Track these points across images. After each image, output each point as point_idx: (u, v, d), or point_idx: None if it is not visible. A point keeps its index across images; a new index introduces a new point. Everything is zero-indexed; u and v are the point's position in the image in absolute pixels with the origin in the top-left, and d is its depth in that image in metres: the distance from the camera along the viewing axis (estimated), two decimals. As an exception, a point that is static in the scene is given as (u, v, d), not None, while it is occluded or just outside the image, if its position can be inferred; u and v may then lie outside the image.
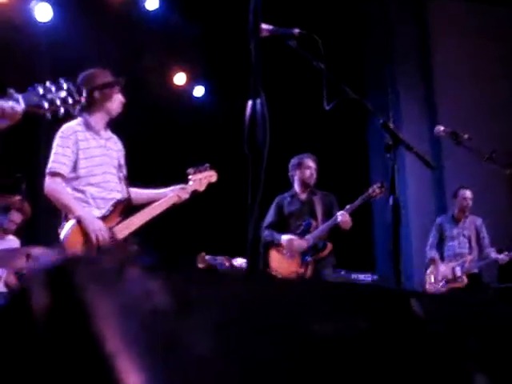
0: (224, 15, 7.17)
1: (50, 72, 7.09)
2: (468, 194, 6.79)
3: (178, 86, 8.21)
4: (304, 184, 5.69)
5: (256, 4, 1.58)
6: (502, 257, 6.57)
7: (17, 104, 2.49)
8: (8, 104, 2.48)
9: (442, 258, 6.85)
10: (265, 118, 1.53)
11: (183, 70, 8.18)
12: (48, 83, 2.57)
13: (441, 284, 6.72)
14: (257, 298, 0.97)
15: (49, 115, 2.60)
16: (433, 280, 6.75)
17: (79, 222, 3.78)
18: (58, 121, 3.00)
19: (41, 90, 2.54)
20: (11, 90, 2.50)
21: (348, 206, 5.47)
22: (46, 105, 2.52)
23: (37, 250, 5.18)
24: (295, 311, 0.97)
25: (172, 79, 8.18)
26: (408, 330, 1.05)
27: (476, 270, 6.75)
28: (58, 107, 2.55)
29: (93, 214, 3.88)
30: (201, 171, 4.38)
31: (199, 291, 0.93)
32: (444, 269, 6.73)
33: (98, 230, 3.78)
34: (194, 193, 4.32)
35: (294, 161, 5.75)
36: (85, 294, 0.82)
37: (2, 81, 3.82)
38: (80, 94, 2.66)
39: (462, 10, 8.68)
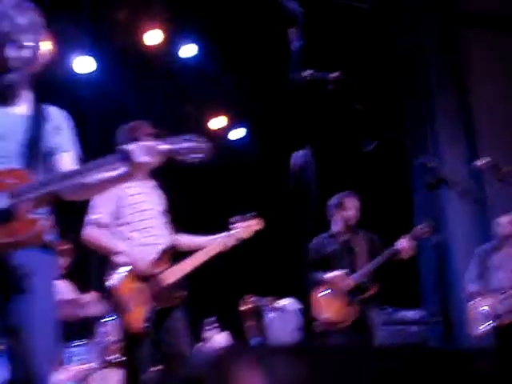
0: (259, 60, 7.30)
1: (92, 123, 7.31)
2: (503, 220, 6.19)
3: (216, 130, 8.34)
4: (346, 223, 5.61)
5: (298, 57, 1.62)
6: None
7: (160, 145, 2.69)
8: (148, 143, 2.69)
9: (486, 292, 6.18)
10: (312, 167, 1.56)
11: (222, 114, 8.32)
12: (183, 136, 2.76)
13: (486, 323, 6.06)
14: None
15: (189, 161, 2.78)
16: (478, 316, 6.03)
17: (124, 267, 3.84)
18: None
19: (178, 140, 2.74)
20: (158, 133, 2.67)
21: (407, 235, 5.33)
22: (189, 153, 2.73)
23: (88, 296, 5.29)
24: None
25: (210, 124, 8.33)
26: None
27: None
28: (196, 157, 2.74)
29: (137, 258, 3.91)
30: (246, 220, 4.39)
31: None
32: (486, 304, 6.08)
33: (141, 261, 3.86)
34: (240, 240, 4.35)
35: (333, 201, 5.63)
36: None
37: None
38: (203, 147, 2.83)
39: (497, 41, 8.65)
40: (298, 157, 1.56)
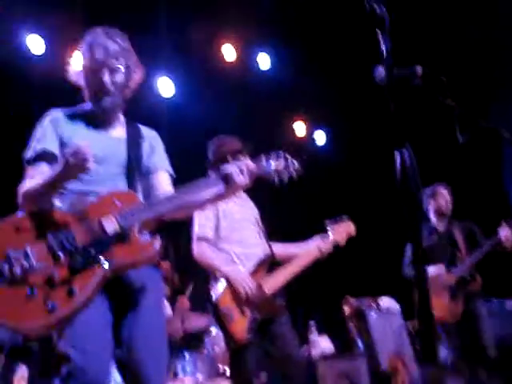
0: (341, 60, 7.25)
1: (173, 142, 7.49)
2: None
3: (301, 137, 8.39)
4: (441, 214, 5.54)
5: (388, 59, 1.64)
6: None
7: (252, 166, 2.81)
8: (245, 163, 2.80)
9: None
10: (415, 169, 1.57)
11: (304, 121, 8.35)
12: (272, 154, 2.88)
13: None
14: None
15: (277, 181, 2.90)
16: None
17: (228, 280, 3.93)
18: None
19: (271, 160, 2.87)
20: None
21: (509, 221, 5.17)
22: (277, 173, 2.87)
23: (189, 314, 5.44)
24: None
25: (293, 132, 8.37)
26: None
27: None
28: (284, 175, 2.87)
29: (239, 269, 4.00)
30: (339, 222, 4.36)
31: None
32: None
33: (246, 283, 3.90)
34: (335, 245, 4.33)
35: (427, 191, 5.61)
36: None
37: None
38: (294, 165, 2.97)
39: None
40: (402, 156, 1.57)
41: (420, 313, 1.53)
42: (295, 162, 2.87)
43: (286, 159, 2.89)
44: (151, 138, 3.01)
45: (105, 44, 2.77)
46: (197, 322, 5.48)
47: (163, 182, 2.92)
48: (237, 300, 3.91)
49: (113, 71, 2.79)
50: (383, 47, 1.71)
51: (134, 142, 2.90)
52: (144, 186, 2.91)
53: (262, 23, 7.32)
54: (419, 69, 2.79)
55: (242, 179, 2.73)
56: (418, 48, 6.59)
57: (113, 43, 2.79)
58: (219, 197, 2.88)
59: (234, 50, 7.83)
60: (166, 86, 7.57)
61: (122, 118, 3.00)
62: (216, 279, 4.02)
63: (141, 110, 7.19)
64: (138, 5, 6.62)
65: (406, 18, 6.76)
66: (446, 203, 5.51)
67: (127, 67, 2.83)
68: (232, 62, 7.84)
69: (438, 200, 5.52)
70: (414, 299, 5.28)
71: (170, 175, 3.00)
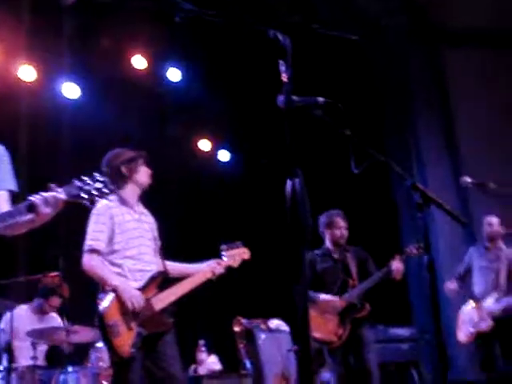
0: (246, 83, 7.37)
1: (77, 147, 7.33)
2: (494, 220, 6.07)
3: (203, 152, 8.40)
4: (336, 242, 5.68)
5: (288, 87, 1.67)
6: None
7: (58, 194, 2.81)
8: (51, 194, 2.80)
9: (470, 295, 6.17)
10: (304, 197, 1.60)
11: (207, 137, 8.38)
12: (84, 177, 2.87)
13: (469, 328, 6.03)
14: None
15: (87, 203, 2.90)
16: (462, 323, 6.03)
17: (116, 292, 3.87)
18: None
19: (79, 184, 2.85)
20: (52, 185, 2.83)
21: (401, 255, 5.39)
22: (85, 196, 2.83)
23: (76, 327, 5.30)
24: None
25: (197, 147, 8.38)
26: None
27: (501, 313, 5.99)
28: (94, 196, 2.86)
29: (129, 284, 3.96)
30: (234, 248, 4.50)
31: None
32: (471, 308, 6.02)
33: (134, 298, 3.87)
34: (228, 268, 4.44)
35: (323, 219, 5.72)
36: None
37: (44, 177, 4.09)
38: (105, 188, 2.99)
39: (478, 57, 8.79)
40: (292, 186, 1.59)
41: (298, 336, 1.55)
42: (99, 183, 2.93)
43: (98, 181, 2.92)
44: None
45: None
46: (83, 334, 5.33)
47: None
48: (124, 314, 3.86)
49: None
50: (284, 75, 1.74)
51: None
52: None
53: (173, 37, 7.30)
54: (321, 99, 2.87)
55: (46, 210, 2.81)
56: (317, 80, 6.81)
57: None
58: (29, 224, 2.97)
59: (144, 60, 7.76)
60: (71, 90, 7.40)
61: None
62: (105, 292, 3.95)
63: (46, 111, 7.07)
64: (48, 11, 6.46)
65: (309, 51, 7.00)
66: (342, 234, 5.65)
67: None
68: (141, 72, 7.76)
69: (334, 229, 5.65)
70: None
71: (10, 191, 3.09)
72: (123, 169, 4.15)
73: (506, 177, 7.31)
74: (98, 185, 2.85)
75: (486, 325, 5.91)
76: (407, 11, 8.62)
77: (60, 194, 2.79)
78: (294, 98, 2.76)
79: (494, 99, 8.61)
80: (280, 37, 1.79)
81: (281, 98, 2.08)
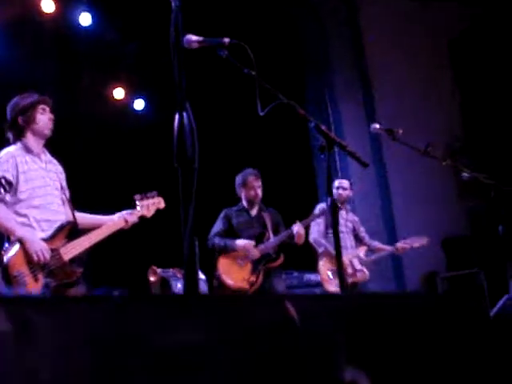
0: (157, 28, 7.16)
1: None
2: (345, 183, 6.27)
3: (117, 100, 8.18)
4: (251, 202, 5.78)
5: (176, 17, 1.60)
6: (401, 245, 6.22)
7: None
8: None
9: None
10: (192, 130, 1.55)
11: (121, 85, 8.15)
12: None
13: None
14: (102, 320, 1.00)
15: None
16: (331, 276, 6.08)
17: (22, 243, 3.75)
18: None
19: None
20: None
21: (303, 221, 5.57)
22: None
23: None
24: (140, 327, 1.02)
25: (111, 94, 8.15)
26: (281, 330, 1.11)
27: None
28: None
29: (35, 235, 3.85)
30: (148, 198, 4.41)
31: (40, 318, 0.95)
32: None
33: (40, 250, 3.76)
34: (142, 218, 4.36)
35: (238, 179, 5.83)
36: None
37: None
38: None
39: (394, 8, 8.88)
40: (179, 120, 1.53)
41: (186, 282, 1.52)
42: None
43: None
44: None
45: None
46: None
47: None
48: (30, 264, 3.75)
49: None
50: (173, 5, 1.65)
51: None
52: None
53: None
54: (227, 39, 2.81)
55: None
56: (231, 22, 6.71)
57: None
58: None
59: (52, 3, 7.40)
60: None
61: None
62: (10, 242, 3.82)
63: None
64: None
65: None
66: (256, 193, 5.73)
67: None
68: (50, 15, 7.40)
69: (249, 190, 5.74)
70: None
71: None
72: (19, 119, 4.02)
73: (420, 126, 7.52)
74: None
75: (365, 275, 6.10)
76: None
77: None
78: (199, 38, 2.70)
79: (410, 49, 8.75)
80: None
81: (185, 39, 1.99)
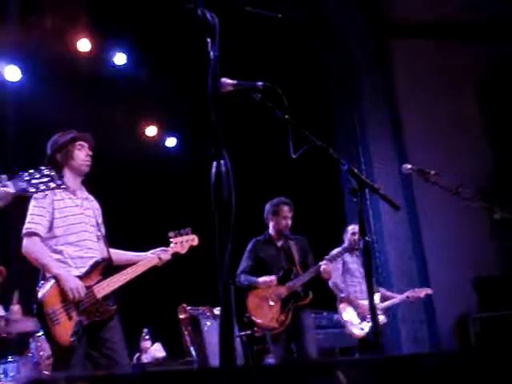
0: (191, 68, 7.30)
1: (21, 134, 7.15)
2: (355, 228, 6.19)
3: (149, 137, 8.31)
4: (279, 232, 5.70)
5: (215, 68, 1.64)
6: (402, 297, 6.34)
7: (8, 188, 2.68)
8: (1, 188, 2.68)
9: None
10: (229, 177, 1.58)
11: (154, 123, 8.29)
12: (32, 170, 2.79)
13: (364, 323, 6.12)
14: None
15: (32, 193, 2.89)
16: (355, 320, 6.11)
17: (56, 280, 3.79)
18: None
19: (27, 177, 2.71)
20: (3, 177, 2.72)
21: (330, 256, 5.53)
22: (32, 189, 2.70)
23: (16, 316, 5.17)
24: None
25: (144, 132, 8.29)
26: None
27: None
28: (42, 191, 2.80)
29: (70, 272, 3.87)
30: (182, 234, 4.43)
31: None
32: (365, 307, 6.01)
33: (74, 288, 3.78)
34: (175, 255, 4.37)
35: (269, 207, 5.73)
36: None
37: None
38: (59, 179, 2.89)
39: (423, 48, 8.92)
40: (217, 167, 1.57)
41: (222, 324, 1.54)
42: (51, 172, 2.84)
43: (45, 175, 2.87)
44: None
45: None
46: (23, 324, 5.21)
47: None
48: (64, 302, 3.77)
49: None
50: (212, 55, 1.71)
51: None
52: None
53: (117, 21, 7.18)
54: (260, 83, 2.87)
55: None
56: (262, 66, 6.81)
57: None
58: None
59: (88, 43, 7.60)
60: (12, 72, 7.20)
61: None
62: (45, 279, 3.86)
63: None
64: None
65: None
66: (287, 224, 5.66)
67: None
68: (86, 54, 7.60)
69: (280, 220, 5.65)
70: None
71: None
72: (58, 156, 4.08)
73: (451, 167, 7.48)
74: (45, 179, 2.80)
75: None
76: (356, 1, 8.69)
77: (9, 187, 2.69)
78: (233, 81, 2.76)
79: (439, 90, 8.76)
80: (208, 15, 1.75)
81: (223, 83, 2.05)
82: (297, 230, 5.83)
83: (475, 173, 8.28)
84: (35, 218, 3.93)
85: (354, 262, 6.38)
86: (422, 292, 6.37)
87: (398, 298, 6.42)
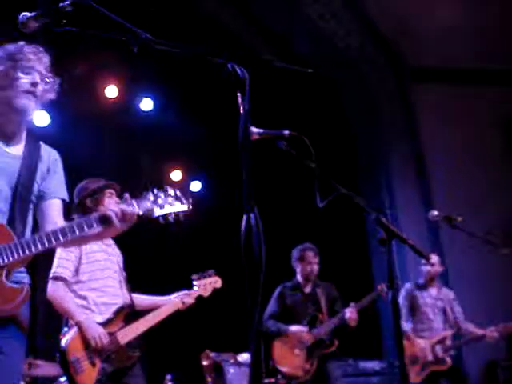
0: (218, 114, 7.39)
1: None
2: (434, 258, 6.06)
3: (174, 181, 8.37)
4: (306, 277, 5.71)
5: (245, 121, 1.65)
6: (491, 333, 5.85)
7: (134, 208, 2.60)
8: (129, 208, 2.58)
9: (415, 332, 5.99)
10: (259, 231, 1.58)
11: (179, 167, 8.35)
12: (156, 190, 2.69)
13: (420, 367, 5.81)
14: None
15: (162, 220, 2.70)
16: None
17: (79, 328, 3.78)
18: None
19: (151, 197, 2.66)
20: (127, 195, 2.62)
21: (356, 304, 5.45)
22: (157, 210, 2.64)
23: (38, 361, 5.16)
24: None
25: (169, 177, 8.35)
26: None
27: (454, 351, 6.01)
28: (168, 213, 2.68)
29: (93, 320, 3.87)
30: (205, 277, 4.42)
31: None
32: (421, 347, 5.83)
33: (98, 336, 3.77)
34: (199, 298, 4.36)
35: (295, 253, 5.78)
36: None
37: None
38: (187, 200, 2.78)
39: (446, 93, 8.94)
40: (246, 221, 1.57)
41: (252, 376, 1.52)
42: (183, 197, 2.77)
43: (171, 195, 2.75)
44: (50, 161, 2.76)
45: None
46: (46, 369, 5.19)
47: (54, 211, 2.69)
48: (87, 350, 3.76)
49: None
50: (241, 107, 1.72)
51: (30, 161, 2.64)
52: (35, 211, 2.67)
53: (145, 68, 7.30)
54: (286, 131, 2.87)
55: (121, 224, 2.59)
56: (286, 115, 6.86)
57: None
58: (94, 238, 2.79)
59: (116, 89, 7.74)
60: (40, 118, 7.32)
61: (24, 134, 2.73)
62: (68, 326, 3.85)
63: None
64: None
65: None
66: (312, 269, 5.66)
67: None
68: (113, 101, 7.73)
69: (306, 265, 5.68)
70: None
71: (63, 200, 2.79)
72: (88, 201, 4.10)
73: (478, 212, 7.41)
74: (170, 199, 2.72)
75: (446, 365, 5.83)
76: (378, 45, 8.76)
77: (135, 208, 2.61)
78: (259, 130, 2.77)
79: (464, 134, 8.74)
80: (237, 69, 1.77)
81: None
82: (323, 277, 5.80)
83: (502, 218, 8.16)
84: (64, 262, 3.95)
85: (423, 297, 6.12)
86: (507, 328, 5.90)
87: (477, 336, 5.94)
